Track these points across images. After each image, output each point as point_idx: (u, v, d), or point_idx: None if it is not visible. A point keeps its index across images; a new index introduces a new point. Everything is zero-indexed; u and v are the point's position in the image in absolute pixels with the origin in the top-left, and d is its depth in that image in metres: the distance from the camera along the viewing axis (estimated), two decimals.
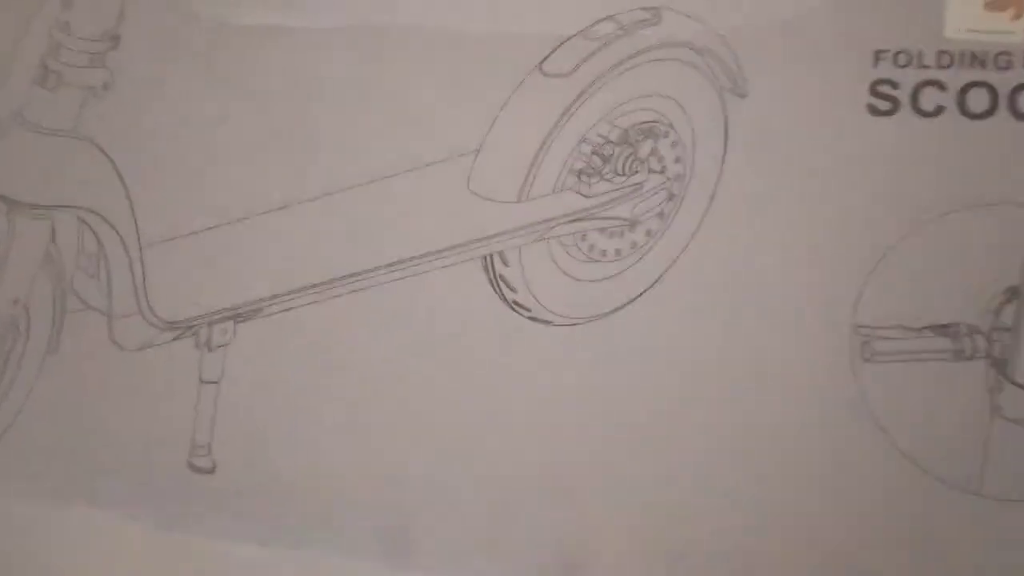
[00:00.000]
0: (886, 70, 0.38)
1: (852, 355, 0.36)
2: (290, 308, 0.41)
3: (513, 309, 0.39)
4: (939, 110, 0.37)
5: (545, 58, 0.42)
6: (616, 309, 0.39)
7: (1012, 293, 0.35)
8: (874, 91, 0.38)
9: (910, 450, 0.36)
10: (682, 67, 0.40)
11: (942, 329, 0.35)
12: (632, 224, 0.40)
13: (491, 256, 0.40)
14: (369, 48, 0.44)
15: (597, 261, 0.40)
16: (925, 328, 0.35)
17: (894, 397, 0.36)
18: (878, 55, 0.38)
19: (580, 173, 0.40)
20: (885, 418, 0.36)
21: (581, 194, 0.40)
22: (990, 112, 0.37)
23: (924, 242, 0.36)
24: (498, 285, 0.40)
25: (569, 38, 0.42)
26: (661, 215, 0.39)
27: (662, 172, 0.40)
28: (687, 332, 0.38)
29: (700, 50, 0.40)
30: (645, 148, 0.40)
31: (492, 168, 0.41)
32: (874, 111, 0.38)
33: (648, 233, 0.39)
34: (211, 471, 0.40)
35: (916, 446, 0.36)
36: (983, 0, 0.38)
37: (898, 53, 0.38)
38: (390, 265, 0.40)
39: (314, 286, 0.40)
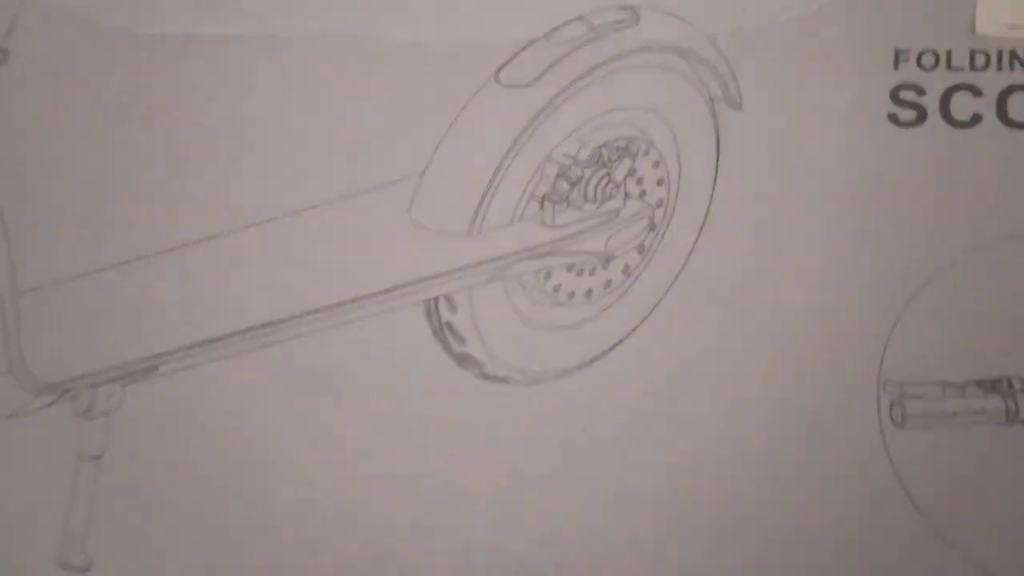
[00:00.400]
0: (909, 73, 0.31)
1: (880, 418, 0.29)
2: (192, 366, 0.33)
3: (461, 364, 0.32)
4: (975, 119, 0.30)
5: (502, 66, 0.35)
6: (586, 363, 0.32)
7: None
8: (896, 98, 0.31)
9: (955, 538, 0.29)
10: (665, 74, 0.34)
11: (991, 384, 0.28)
12: (606, 260, 0.33)
13: (436, 300, 0.33)
14: (297, 60, 0.37)
15: (563, 305, 0.33)
16: (969, 383, 0.28)
17: (933, 471, 0.29)
18: (899, 56, 0.32)
19: (544, 200, 0.33)
20: (922, 497, 0.29)
21: (544, 224, 0.33)
22: None
23: (965, 278, 0.29)
24: (444, 335, 0.33)
25: (531, 42, 0.35)
26: (641, 249, 0.32)
27: (641, 197, 0.33)
28: (674, 391, 0.31)
29: (686, 54, 0.34)
30: (621, 169, 0.33)
31: (439, 194, 0.34)
32: (897, 121, 0.31)
33: (625, 270, 0.32)
34: (85, 570, 0.32)
35: (962, 533, 0.29)
36: None
37: (922, 53, 0.31)
38: (313, 312, 0.33)
39: (221, 339, 0.33)
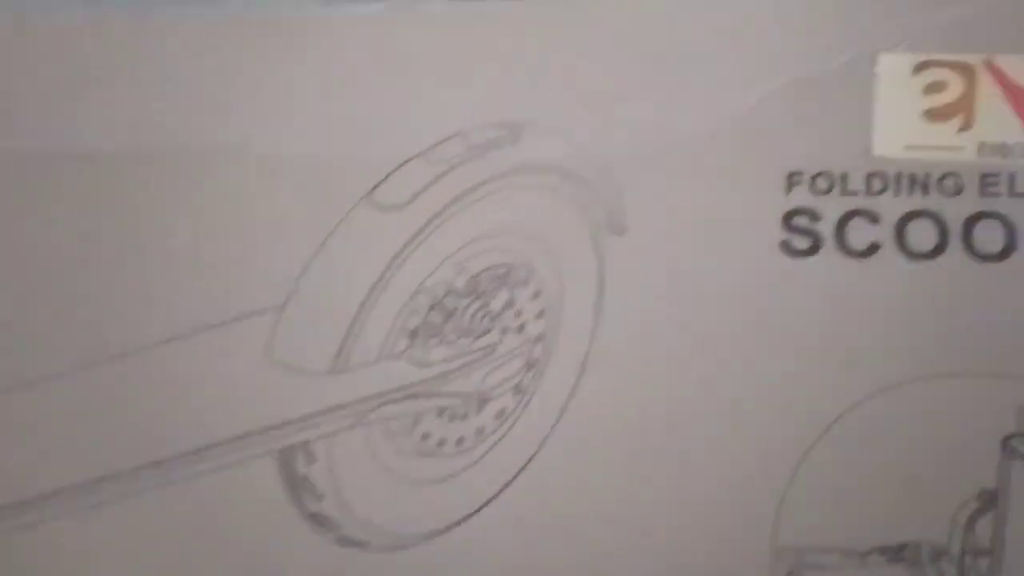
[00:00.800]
0: (803, 197, 0.29)
1: None
2: (21, 526, 0.30)
3: (316, 527, 0.29)
4: (873, 248, 0.28)
5: (376, 186, 0.32)
6: (456, 523, 0.28)
7: (987, 500, 0.25)
8: (789, 224, 0.29)
9: None
10: (546, 197, 0.31)
11: (895, 552, 0.25)
12: (480, 403, 0.30)
13: (291, 450, 0.29)
14: (142, 180, 0.34)
15: (432, 455, 0.29)
16: (872, 551, 0.25)
17: None
18: (791, 179, 0.29)
19: (415, 334, 0.30)
20: None
21: (414, 362, 0.30)
22: (938, 250, 0.28)
23: (865, 428, 0.26)
24: (298, 491, 0.29)
25: (407, 161, 0.33)
26: (517, 389, 0.29)
27: (520, 331, 0.30)
28: (552, 552, 0.27)
29: (568, 175, 0.31)
30: (499, 300, 0.30)
31: (301, 328, 0.31)
32: (790, 250, 0.29)
33: (500, 415, 0.29)
34: None
35: None
36: (922, 108, 0.29)
37: (817, 176, 0.29)
38: (150, 467, 0.29)
39: (39, 499, 0.29)
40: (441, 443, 0.29)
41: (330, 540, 0.28)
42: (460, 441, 0.29)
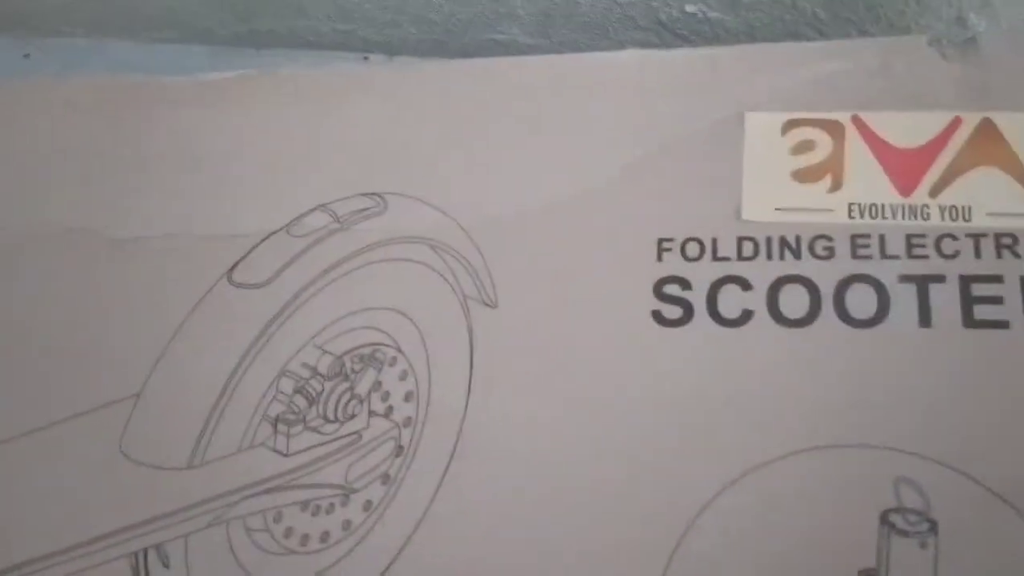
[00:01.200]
0: (673, 265, 0.28)
1: None
2: None
3: None
4: (746, 316, 0.27)
5: (236, 264, 0.31)
6: None
7: None
8: (660, 293, 0.28)
9: None
10: (414, 269, 0.30)
11: None
12: (346, 494, 0.28)
13: (144, 553, 0.27)
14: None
15: (295, 553, 0.27)
16: None
17: None
18: (661, 245, 0.28)
19: (277, 421, 0.29)
20: None
21: (277, 452, 0.28)
22: (811, 317, 0.27)
23: (742, 504, 0.25)
24: None
25: (269, 235, 0.31)
26: (385, 479, 0.28)
27: (388, 415, 0.28)
28: None
29: (436, 246, 0.30)
30: (366, 382, 0.29)
31: (156, 419, 0.29)
32: (661, 320, 0.27)
33: (367, 506, 0.28)
34: None
35: None
36: (791, 169, 0.29)
37: (687, 241, 0.28)
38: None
39: None
40: (305, 540, 0.27)
41: None
42: (325, 536, 0.27)
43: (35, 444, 0.30)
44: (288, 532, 0.28)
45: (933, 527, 0.24)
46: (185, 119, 0.33)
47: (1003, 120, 0.28)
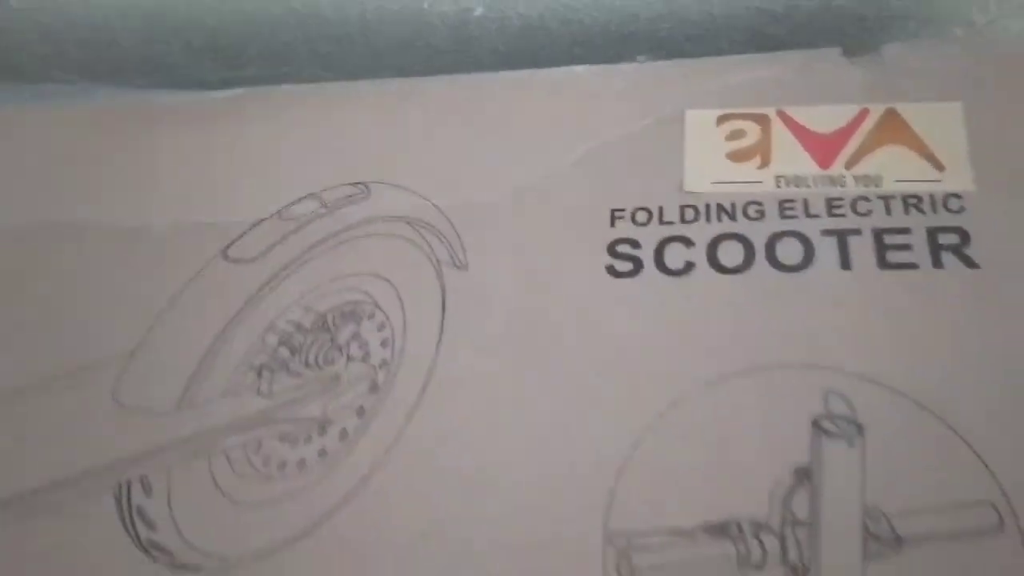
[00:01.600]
0: (625, 229, 0.32)
1: (606, 575, 0.26)
2: None
3: (151, 555, 0.28)
4: (688, 267, 0.30)
5: (230, 243, 0.34)
6: (290, 541, 0.28)
7: (802, 475, 0.26)
8: (613, 251, 0.31)
9: None
10: (393, 242, 0.33)
11: (718, 528, 0.26)
12: (323, 425, 0.30)
13: (127, 484, 0.29)
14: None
15: (273, 479, 0.29)
16: (696, 529, 0.26)
17: None
18: (614, 214, 0.32)
19: (261, 369, 0.31)
20: None
21: (259, 393, 0.31)
22: (746, 265, 0.30)
23: (687, 419, 0.28)
24: (132, 523, 0.28)
25: (261, 221, 0.35)
26: (361, 411, 0.30)
27: (365, 360, 0.31)
28: (386, 567, 0.27)
29: (414, 223, 0.33)
30: (345, 333, 0.31)
31: (148, 371, 0.31)
32: (614, 272, 0.31)
33: (342, 435, 0.30)
34: None
35: None
36: (725, 152, 0.33)
37: (636, 211, 0.32)
38: None
39: None
40: (283, 466, 0.29)
41: (164, 566, 0.27)
42: (301, 463, 0.29)
43: (34, 394, 0.32)
44: (266, 460, 0.29)
45: (859, 429, 0.26)
46: (187, 131, 0.37)
47: (905, 108, 0.32)
